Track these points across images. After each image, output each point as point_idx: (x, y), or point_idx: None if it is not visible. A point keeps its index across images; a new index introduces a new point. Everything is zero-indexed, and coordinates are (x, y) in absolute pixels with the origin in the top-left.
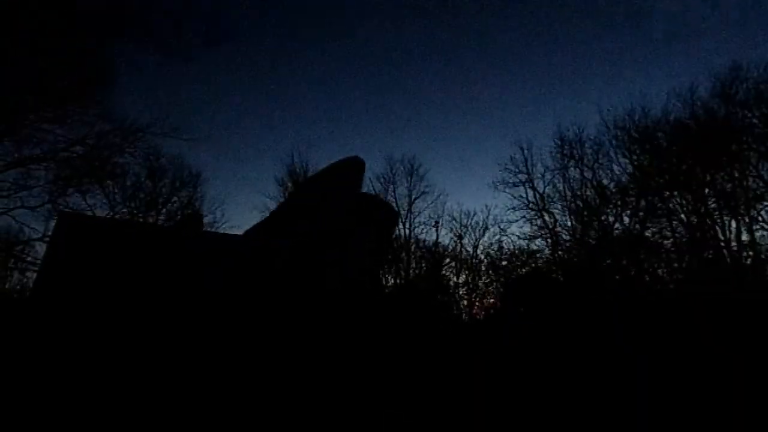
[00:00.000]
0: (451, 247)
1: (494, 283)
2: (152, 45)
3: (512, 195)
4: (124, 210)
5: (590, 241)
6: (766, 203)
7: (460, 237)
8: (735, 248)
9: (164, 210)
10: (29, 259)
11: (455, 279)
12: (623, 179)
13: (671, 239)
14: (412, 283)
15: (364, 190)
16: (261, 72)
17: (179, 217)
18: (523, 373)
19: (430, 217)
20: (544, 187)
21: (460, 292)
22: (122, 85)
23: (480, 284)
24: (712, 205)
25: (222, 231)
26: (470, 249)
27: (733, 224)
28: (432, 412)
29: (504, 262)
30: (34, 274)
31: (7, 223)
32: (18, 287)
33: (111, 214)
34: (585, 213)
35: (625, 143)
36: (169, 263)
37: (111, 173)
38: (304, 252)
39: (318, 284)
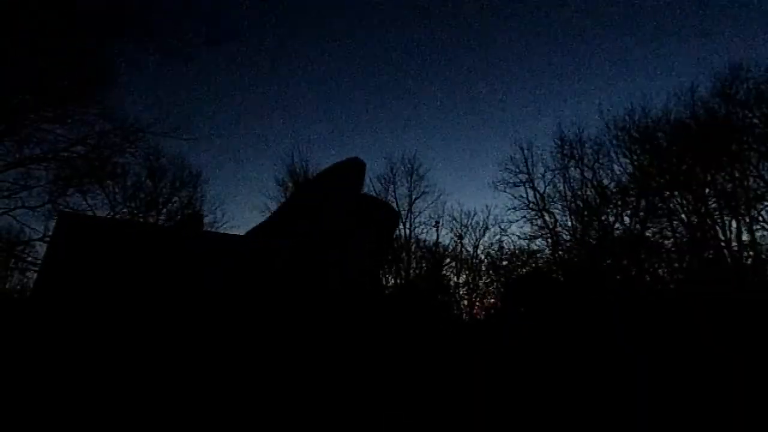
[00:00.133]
0: (451, 247)
1: (494, 283)
2: (152, 45)
3: (512, 195)
4: (125, 210)
5: (591, 241)
6: (766, 203)
7: (461, 237)
8: (735, 248)
9: (164, 210)
10: (30, 259)
11: (455, 279)
12: (623, 179)
13: (672, 239)
14: (412, 283)
15: (365, 190)
16: (261, 72)
17: (179, 217)
18: (523, 373)
19: (430, 217)
20: (545, 187)
21: (461, 292)
22: (122, 85)
23: (480, 284)
24: (713, 205)
25: (222, 231)
26: (470, 249)
27: (734, 224)
28: (432, 412)
29: (504, 262)
30: (35, 274)
31: (8, 223)
32: (18, 287)
33: (111, 214)
34: (585, 213)
35: (626, 143)
36: (169, 263)
37: (111, 173)
38: (305, 252)
39: (318, 284)
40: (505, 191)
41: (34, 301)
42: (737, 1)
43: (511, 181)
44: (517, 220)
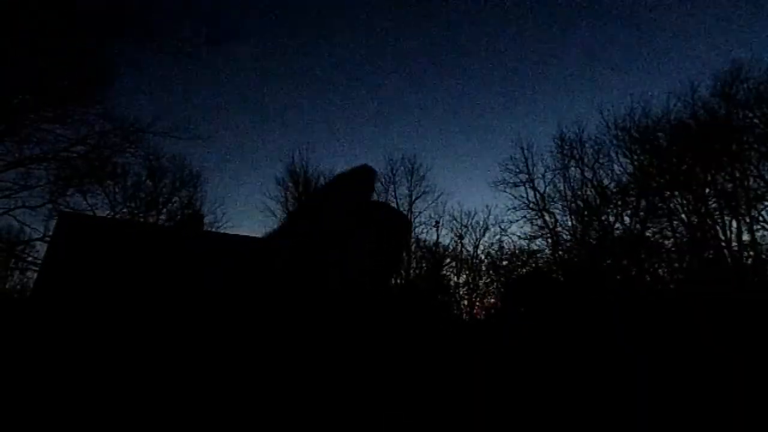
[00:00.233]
0: (451, 247)
1: (494, 283)
2: (152, 45)
3: (513, 195)
4: (125, 210)
5: (591, 241)
6: (766, 203)
7: (461, 237)
8: (736, 248)
9: (165, 210)
10: (30, 259)
11: (455, 279)
12: (624, 179)
13: (672, 239)
14: (412, 283)
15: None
16: (261, 72)
17: (179, 217)
18: (523, 373)
19: (430, 217)
20: (545, 187)
21: (461, 292)
22: (122, 85)
23: (480, 284)
24: (713, 205)
25: (222, 231)
26: (471, 249)
27: (734, 224)
28: (432, 412)
29: (504, 262)
30: (35, 274)
31: (8, 223)
32: (18, 287)
33: (111, 214)
34: (585, 213)
35: (626, 143)
36: (169, 263)
37: (111, 173)
38: (306, 253)
39: (319, 285)
40: (505, 191)
41: (34, 301)
42: (737, 1)
43: (511, 181)
44: (517, 220)
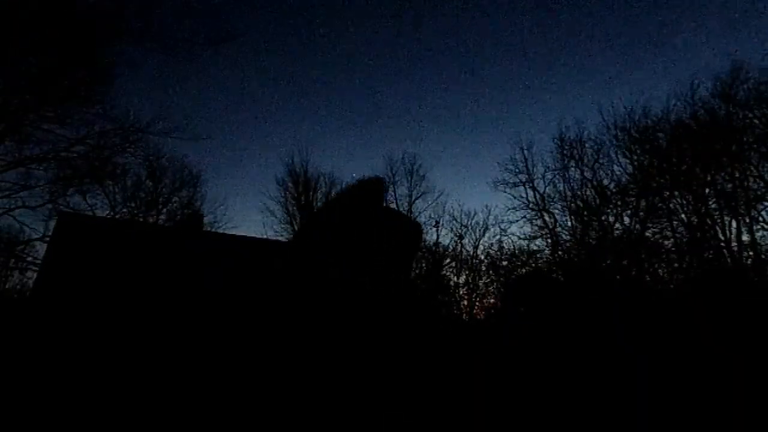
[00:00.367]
0: (451, 247)
1: (494, 283)
2: (152, 45)
3: (512, 195)
4: (125, 210)
5: (590, 241)
6: (766, 203)
7: (461, 237)
8: (735, 248)
9: (164, 210)
10: (29, 259)
11: (455, 279)
12: (623, 179)
13: (672, 239)
14: (412, 283)
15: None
16: (261, 72)
17: (179, 217)
18: (523, 373)
19: (430, 217)
20: (545, 187)
21: (461, 292)
22: (122, 84)
23: (480, 284)
24: (713, 205)
25: (222, 231)
26: (470, 249)
27: (734, 224)
28: (432, 411)
29: (504, 262)
30: (35, 274)
31: (8, 223)
32: (18, 287)
33: (111, 214)
34: (585, 213)
35: (626, 143)
36: (169, 263)
37: (111, 173)
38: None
39: (322, 287)
40: (504, 191)
41: (34, 300)
42: (737, 1)
43: (511, 181)
44: (517, 221)
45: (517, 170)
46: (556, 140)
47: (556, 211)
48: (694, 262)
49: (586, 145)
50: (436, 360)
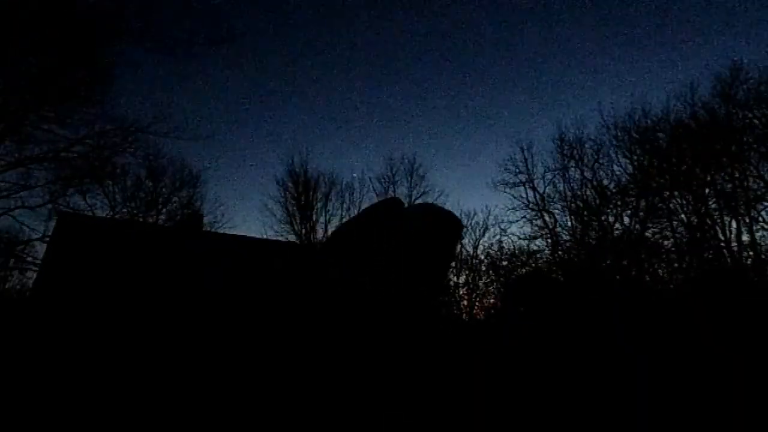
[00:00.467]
0: None
1: (494, 283)
2: (152, 45)
3: (512, 195)
4: (125, 210)
5: (590, 241)
6: (766, 203)
7: (461, 237)
8: (735, 248)
9: (164, 210)
10: (29, 259)
11: (455, 279)
12: (623, 179)
13: (672, 239)
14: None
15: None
16: (261, 72)
17: (179, 217)
18: (523, 373)
19: None
20: (545, 187)
21: (460, 292)
22: (122, 85)
23: (480, 284)
24: (713, 206)
25: (222, 231)
26: (470, 249)
27: (734, 224)
28: (432, 411)
29: (504, 262)
30: (35, 274)
31: (8, 223)
32: (18, 287)
33: (111, 214)
34: (585, 213)
35: (626, 143)
36: (169, 263)
37: (111, 173)
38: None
39: (318, 285)
40: (504, 191)
41: (34, 300)
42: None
43: (511, 181)
44: (517, 221)
45: (517, 170)
46: (555, 140)
47: (556, 211)
48: (694, 262)
49: (586, 145)
50: (437, 360)
